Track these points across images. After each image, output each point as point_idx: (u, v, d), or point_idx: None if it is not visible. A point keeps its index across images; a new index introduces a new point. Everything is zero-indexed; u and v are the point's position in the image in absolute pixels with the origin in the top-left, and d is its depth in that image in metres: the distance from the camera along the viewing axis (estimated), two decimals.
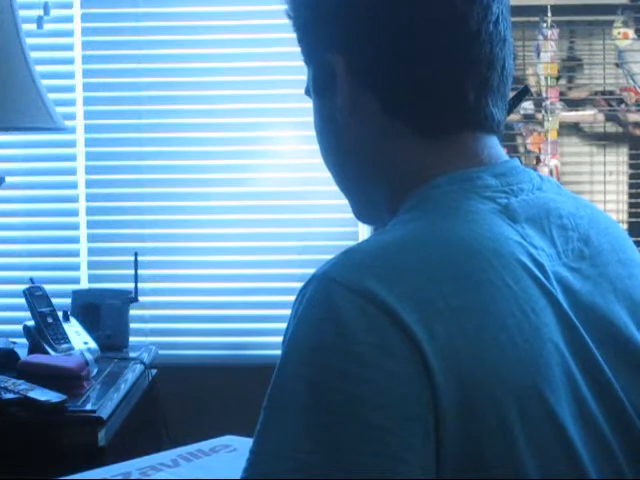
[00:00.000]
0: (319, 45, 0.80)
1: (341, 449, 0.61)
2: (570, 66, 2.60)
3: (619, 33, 2.52)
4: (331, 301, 0.65)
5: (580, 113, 2.58)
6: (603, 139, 2.59)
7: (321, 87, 0.81)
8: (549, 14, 2.50)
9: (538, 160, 2.55)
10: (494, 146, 0.79)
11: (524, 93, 0.92)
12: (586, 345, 0.70)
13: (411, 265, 0.67)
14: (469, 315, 0.65)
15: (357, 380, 0.62)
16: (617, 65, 2.57)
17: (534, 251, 0.71)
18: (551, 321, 0.68)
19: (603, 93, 2.58)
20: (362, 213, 0.87)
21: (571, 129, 2.60)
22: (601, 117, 2.58)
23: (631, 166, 2.59)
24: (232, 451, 1.30)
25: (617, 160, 2.60)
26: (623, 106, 2.57)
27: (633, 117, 2.58)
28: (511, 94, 0.84)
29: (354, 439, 0.61)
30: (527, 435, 0.64)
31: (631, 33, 2.54)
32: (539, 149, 2.55)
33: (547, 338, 0.67)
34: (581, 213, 0.80)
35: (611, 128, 2.59)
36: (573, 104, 2.58)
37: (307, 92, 0.84)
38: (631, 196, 2.60)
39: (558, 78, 2.56)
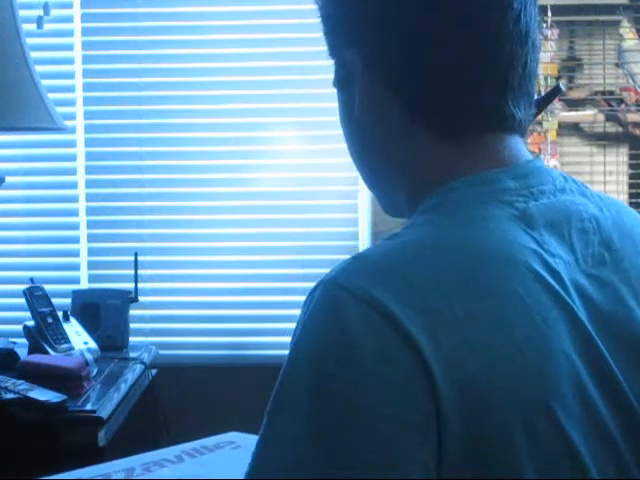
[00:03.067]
0: (339, 40, 0.79)
1: (345, 459, 0.61)
2: (570, 66, 2.60)
3: (629, 31, 2.52)
4: (336, 308, 0.64)
5: (580, 113, 2.58)
6: (603, 139, 2.59)
7: (341, 82, 0.81)
8: (549, 14, 2.50)
9: None
10: (516, 146, 0.77)
11: (556, 93, 0.90)
12: (600, 355, 0.69)
13: (419, 273, 0.66)
14: (476, 325, 0.64)
15: (359, 389, 0.62)
16: (617, 65, 2.57)
17: (551, 259, 0.70)
18: (564, 331, 0.67)
19: (603, 93, 2.58)
20: (386, 207, 0.86)
21: (571, 129, 2.60)
22: (601, 117, 2.58)
23: (631, 166, 2.59)
24: (236, 448, 1.29)
25: (617, 160, 2.60)
26: (623, 106, 2.57)
27: (633, 117, 2.58)
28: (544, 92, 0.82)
29: (357, 449, 0.61)
30: (532, 449, 0.63)
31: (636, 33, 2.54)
32: (539, 149, 2.55)
33: (558, 349, 0.66)
34: (605, 215, 0.78)
35: (611, 128, 2.59)
36: (573, 104, 2.58)
37: (334, 84, 0.83)
38: (631, 196, 2.60)
39: (558, 78, 2.56)
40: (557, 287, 0.68)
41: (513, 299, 0.66)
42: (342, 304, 0.64)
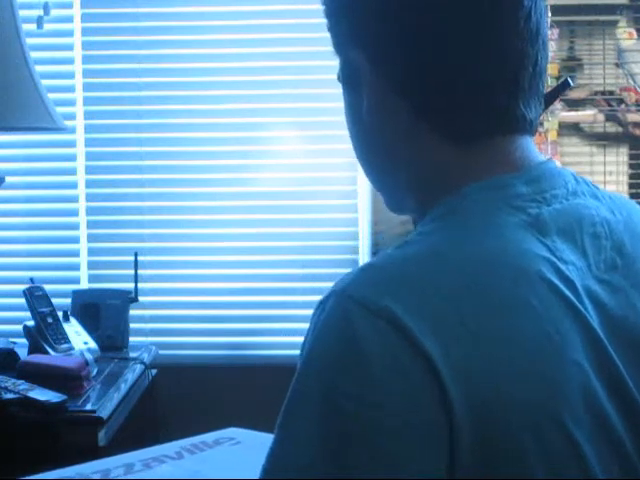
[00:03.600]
0: (345, 40, 0.78)
1: (355, 474, 0.61)
2: (570, 66, 2.60)
3: (624, 32, 2.52)
4: (348, 320, 0.64)
5: (580, 113, 2.58)
6: (603, 139, 2.58)
7: (348, 82, 0.79)
8: (549, 14, 2.50)
9: None
10: (527, 148, 0.77)
11: (564, 87, 0.88)
12: (612, 362, 0.68)
13: (430, 284, 0.65)
14: (488, 338, 0.64)
15: (371, 403, 0.62)
16: (617, 65, 2.57)
17: (563, 267, 0.69)
18: (576, 340, 0.67)
19: (603, 93, 2.58)
20: (393, 207, 0.85)
21: (571, 129, 2.60)
22: (601, 117, 2.58)
23: (631, 166, 2.59)
24: (236, 444, 1.29)
25: (617, 160, 2.60)
26: (623, 106, 2.57)
27: (633, 117, 2.58)
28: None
29: (367, 464, 0.61)
30: (544, 461, 0.63)
31: (634, 33, 2.54)
32: (539, 149, 2.54)
33: (570, 360, 0.66)
34: (617, 218, 0.77)
35: (611, 128, 2.59)
36: (573, 104, 2.58)
37: (339, 78, 0.81)
38: (631, 196, 2.59)
39: (558, 78, 2.56)
40: (570, 295, 0.68)
41: (526, 309, 0.66)
42: (353, 316, 0.64)
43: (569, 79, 0.88)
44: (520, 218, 0.71)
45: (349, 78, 0.78)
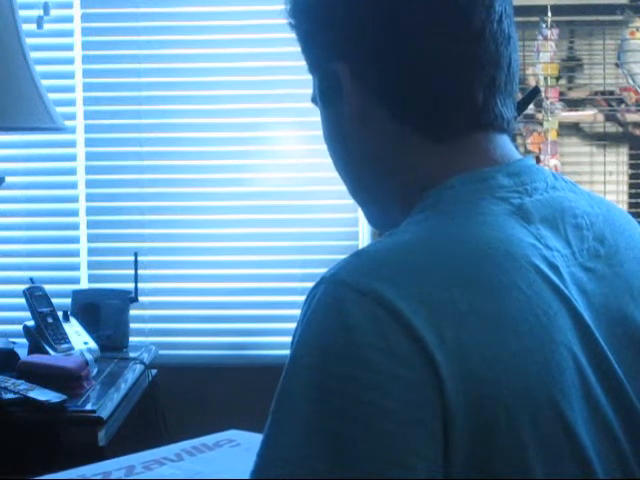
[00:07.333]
0: (322, 54, 0.79)
1: (350, 456, 0.61)
2: (570, 66, 2.60)
3: (637, 30, 2.52)
4: (340, 304, 0.64)
5: (580, 113, 2.58)
6: (603, 139, 2.58)
7: (327, 96, 0.81)
8: (549, 14, 2.50)
9: (538, 160, 2.55)
10: (506, 145, 0.79)
11: (535, 93, 0.92)
12: (600, 348, 0.69)
13: (421, 268, 0.66)
14: (480, 319, 0.64)
15: (365, 386, 0.62)
16: (617, 65, 2.57)
17: (548, 253, 0.71)
18: (565, 324, 0.68)
19: (603, 93, 2.58)
20: (377, 221, 0.87)
21: (571, 129, 2.60)
22: (601, 117, 2.58)
23: (631, 166, 2.59)
24: (236, 446, 1.29)
25: (617, 160, 2.60)
26: (623, 106, 2.57)
27: (633, 117, 2.58)
28: (521, 95, 0.84)
29: (362, 446, 0.61)
30: (538, 442, 0.63)
31: (635, 32, 2.54)
32: (539, 149, 2.55)
33: (560, 342, 0.67)
34: (596, 211, 0.79)
35: (611, 128, 2.59)
36: (573, 104, 2.58)
37: (314, 100, 0.84)
38: (631, 196, 2.60)
39: (558, 78, 2.56)
40: (556, 280, 0.69)
41: (515, 292, 0.66)
42: (345, 300, 0.64)
43: (538, 87, 0.91)
44: (504, 207, 0.72)
45: (330, 92, 0.80)
